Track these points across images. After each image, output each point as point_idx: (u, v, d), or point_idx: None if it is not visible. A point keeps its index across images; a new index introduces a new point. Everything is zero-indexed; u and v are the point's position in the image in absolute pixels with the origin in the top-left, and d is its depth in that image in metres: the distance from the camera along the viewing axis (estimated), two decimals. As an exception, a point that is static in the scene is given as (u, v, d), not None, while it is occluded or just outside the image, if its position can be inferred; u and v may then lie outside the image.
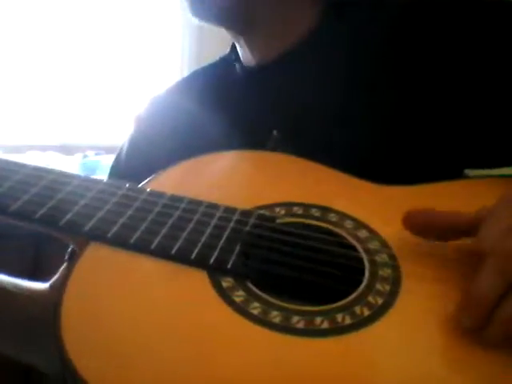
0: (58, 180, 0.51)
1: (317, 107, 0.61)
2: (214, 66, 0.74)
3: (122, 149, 0.75)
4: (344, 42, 0.62)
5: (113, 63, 2.15)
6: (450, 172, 0.59)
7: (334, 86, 0.61)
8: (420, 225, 0.46)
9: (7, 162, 0.52)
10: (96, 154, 1.87)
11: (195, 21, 0.64)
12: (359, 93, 0.60)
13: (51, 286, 0.68)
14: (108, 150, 1.75)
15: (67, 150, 1.95)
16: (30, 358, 0.69)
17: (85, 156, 1.87)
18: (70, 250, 0.68)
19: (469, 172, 0.63)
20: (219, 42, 0.75)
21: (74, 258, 0.62)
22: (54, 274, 0.71)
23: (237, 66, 0.69)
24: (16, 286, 0.64)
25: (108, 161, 1.55)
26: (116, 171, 0.74)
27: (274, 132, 0.62)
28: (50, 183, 0.50)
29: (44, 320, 0.63)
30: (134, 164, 0.71)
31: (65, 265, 0.70)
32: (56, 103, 2.12)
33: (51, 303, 0.64)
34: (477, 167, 0.61)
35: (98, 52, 2.14)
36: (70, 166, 1.78)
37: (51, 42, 2.09)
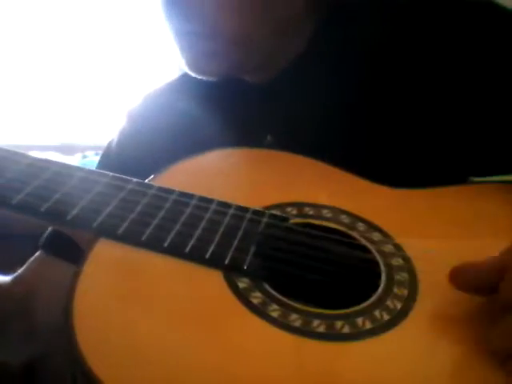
0: (62, 172, 0.49)
1: (312, 117, 0.61)
2: None
3: (110, 143, 0.74)
4: (338, 54, 0.61)
5: (112, 63, 2.15)
6: (455, 179, 0.58)
7: (330, 97, 0.61)
8: (471, 282, 0.40)
9: (8, 152, 0.51)
10: (96, 154, 1.87)
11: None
12: (356, 102, 0.60)
13: (14, 281, 0.64)
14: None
15: (67, 149, 1.94)
16: None
17: (84, 156, 1.87)
18: (45, 235, 0.65)
19: (473, 179, 0.63)
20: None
21: (72, 252, 0.60)
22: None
23: None
24: None
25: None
26: (105, 165, 0.72)
27: (268, 137, 0.61)
28: (54, 175, 0.48)
29: (4, 312, 0.61)
30: (125, 159, 0.70)
31: (36, 255, 0.66)
32: (56, 103, 2.11)
33: (15, 295, 0.62)
34: (481, 174, 0.61)
35: (97, 52, 2.13)
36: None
37: (51, 42, 2.08)
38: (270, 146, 0.60)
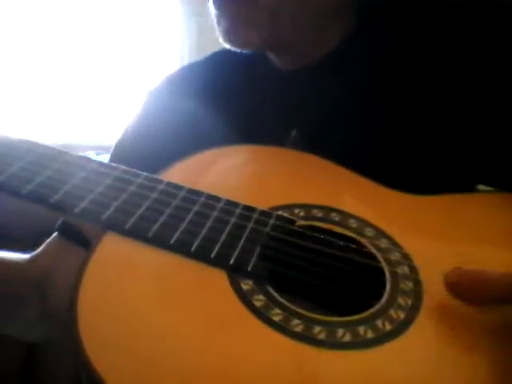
0: (73, 163, 0.49)
1: (339, 115, 0.60)
2: (232, 54, 0.69)
3: (127, 128, 0.72)
4: (368, 56, 0.61)
5: (113, 63, 2.15)
6: (463, 187, 0.58)
7: (357, 97, 0.60)
8: (467, 289, 0.39)
9: (21, 141, 0.51)
10: (96, 154, 1.86)
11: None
12: (380, 105, 0.60)
13: (31, 262, 0.65)
14: (109, 150, 1.72)
15: (67, 150, 1.93)
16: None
17: (85, 156, 1.86)
18: (60, 221, 0.64)
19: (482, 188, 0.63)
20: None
21: (78, 243, 0.59)
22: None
23: (258, 61, 0.66)
24: None
25: (109, 162, 1.54)
26: (120, 151, 0.71)
27: (293, 132, 0.60)
28: (64, 166, 0.48)
29: (20, 293, 0.62)
30: (142, 140, 0.69)
31: (52, 237, 0.67)
32: (57, 103, 2.11)
33: (31, 277, 0.62)
34: (490, 184, 0.61)
35: (98, 52, 2.13)
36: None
37: (52, 41, 2.08)
38: (295, 142, 0.59)
